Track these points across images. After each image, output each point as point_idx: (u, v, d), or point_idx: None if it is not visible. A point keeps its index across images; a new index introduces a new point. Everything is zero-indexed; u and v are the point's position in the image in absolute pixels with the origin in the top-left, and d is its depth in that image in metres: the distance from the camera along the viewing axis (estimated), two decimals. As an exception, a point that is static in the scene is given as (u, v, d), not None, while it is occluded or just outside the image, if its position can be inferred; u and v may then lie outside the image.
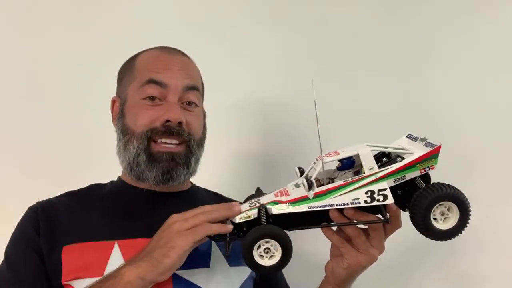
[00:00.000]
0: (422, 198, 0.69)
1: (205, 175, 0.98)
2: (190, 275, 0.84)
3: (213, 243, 0.89)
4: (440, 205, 0.70)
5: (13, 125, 1.29)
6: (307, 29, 1.32)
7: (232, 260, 0.89)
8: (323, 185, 0.75)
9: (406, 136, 0.82)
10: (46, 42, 1.31)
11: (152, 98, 0.90)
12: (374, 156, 0.76)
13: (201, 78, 1.00)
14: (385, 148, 0.77)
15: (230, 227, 0.74)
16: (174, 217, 0.77)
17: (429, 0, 1.30)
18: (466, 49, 1.28)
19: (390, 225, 0.76)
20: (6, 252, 0.86)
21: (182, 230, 0.74)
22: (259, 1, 1.33)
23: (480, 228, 1.15)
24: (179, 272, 0.82)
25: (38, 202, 0.90)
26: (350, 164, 0.77)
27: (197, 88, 0.95)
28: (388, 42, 1.30)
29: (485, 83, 1.26)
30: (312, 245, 1.02)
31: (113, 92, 1.00)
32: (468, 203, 0.70)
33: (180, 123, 0.89)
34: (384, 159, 0.78)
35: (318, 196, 0.73)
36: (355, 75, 1.30)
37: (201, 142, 0.96)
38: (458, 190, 0.70)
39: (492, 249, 1.21)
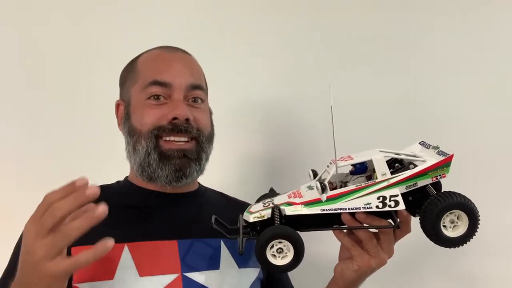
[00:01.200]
0: (433, 206, 0.71)
1: (212, 177, 0.99)
2: (200, 277, 0.85)
3: (223, 244, 0.90)
4: (450, 213, 0.72)
5: (14, 126, 1.29)
6: (315, 30, 1.32)
7: (241, 261, 0.90)
8: (335, 188, 0.77)
9: (419, 143, 0.84)
10: (48, 42, 1.31)
11: (157, 97, 0.90)
12: (386, 162, 0.78)
13: (204, 75, 1.00)
14: (398, 154, 0.79)
15: (101, 211, 0.63)
16: (34, 246, 0.62)
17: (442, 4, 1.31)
18: (475, 50, 1.28)
19: (400, 230, 0.78)
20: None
21: (49, 260, 0.62)
22: (267, 2, 1.33)
23: (484, 230, 1.16)
24: (189, 275, 0.84)
25: None
26: (363, 169, 0.79)
27: (201, 87, 0.95)
28: (397, 45, 1.30)
29: (488, 85, 1.27)
30: (319, 247, 1.04)
31: (116, 93, 1.00)
32: (478, 212, 0.72)
33: (187, 119, 0.89)
34: (397, 165, 0.80)
35: (331, 199, 0.75)
36: (365, 77, 1.30)
37: (210, 138, 0.95)
38: (468, 199, 0.72)
39: (495, 250, 1.22)
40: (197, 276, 0.84)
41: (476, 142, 1.26)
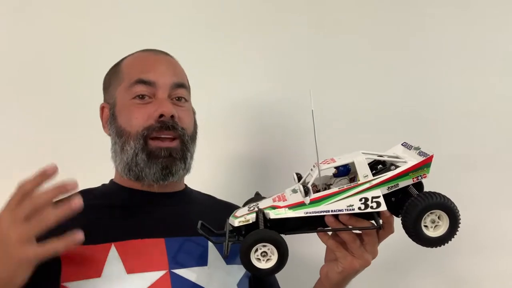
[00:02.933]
0: (413, 206, 0.72)
1: (200, 178, 1.00)
2: (189, 274, 0.86)
3: (210, 242, 0.90)
4: (431, 213, 0.72)
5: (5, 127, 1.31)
6: (303, 30, 1.33)
7: (229, 259, 0.91)
8: (319, 191, 0.78)
9: (401, 144, 0.85)
10: (42, 43, 1.32)
11: (142, 97, 0.92)
12: (369, 163, 0.79)
13: (186, 76, 1.02)
14: (380, 156, 0.80)
15: (77, 202, 0.65)
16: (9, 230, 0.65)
17: (429, 9, 1.31)
18: (465, 49, 1.28)
19: (383, 230, 0.79)
20: None
21: (22, 246, 0.64)
22: (257, 3, 1.34)
23: (476, 230, 1.16)
24: (177, 271, 0.85)
25: None
26: (346, 171, 0.80)
27: (184, 86, 0.97)
28: (386, 47, 1.31)
29: (484, 84, 1.27)
30: (308, 246, 1.04)
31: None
32: (458, 211, 0.73)
33: (172, 116, 0.91)
34: (380, 166, 0.81)
35: (314, 202, 0.76)
36: (353, 78, 1.31)
37: (193, 137, 0.98)
38: (448, 199, 0.73)
39: (487, 251, 1.22)
40: (185, 273, 0.85)
41: (474, 142, 1.25)
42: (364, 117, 1.29)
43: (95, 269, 0.82)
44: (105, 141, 0.98)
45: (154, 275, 0.83)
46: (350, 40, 1.31)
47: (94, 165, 1.08)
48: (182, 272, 0.85)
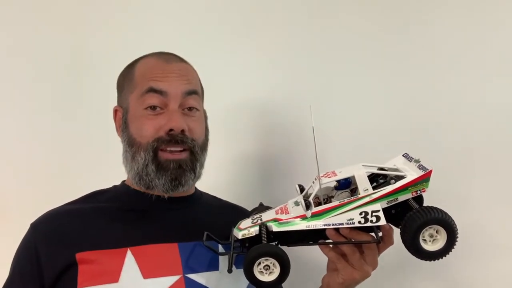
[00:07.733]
0: (412, 221, 0.74)
1: (204, 177, 1.01)
2: (202, 279, 0.88)
3: (220, 247, 0.93)
4: (429, 227, 0.74)
5: (15, 128, 1.34)
6: (307, 29, 1.31)
7: (239, 262, 0.93)
8: (320, 203, 0.80)
9: (403, 155, 0.86)
10: (46, 44, 1.35)
11: (153, 108, 0.93)
12: (370, 176, 0.81)
13: (200, 81, 1.02)
14: (381, 169, 0.81)
15: None
16: None
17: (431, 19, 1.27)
18: (468, 48, 1.24)
19: (383, 243, 0.81)
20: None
21: None
22: (259, 3, 1.33)
23: (474, 232, 1.16)
24: (192, 276, 0.87)
25: (39, 218, 0.93)
26: (346, 184, 0.82)
27: (196, 92, 0.97)
28: (390, 52, 1.27)
29: (487, 83, 1.23)
30: (311, 254, 1.05)
31: (114, 96, 1.03)
32: (456, 226, 0.74)
33: (183, 131, 0.92)
34: (381, 178, 0.83)
35: (315, 215, 0.78)
36: (356, 78, 1.28)
37: (204, 146, 0.99)
38: (446, 214, 0.74)
39: (485, 253, 1.20)
40: (198, 277, 0.88)
41: (474, 142, 1.22)
42: (367, 119, 1.26)
43: (112, 274, 0.84)
44: (118, 142, 1.00)
45: (169, 280, 0.86)
46: (353, 41, 1.29)
47: (106, 165, 1.10)
48: (195, 276, 0.88)
